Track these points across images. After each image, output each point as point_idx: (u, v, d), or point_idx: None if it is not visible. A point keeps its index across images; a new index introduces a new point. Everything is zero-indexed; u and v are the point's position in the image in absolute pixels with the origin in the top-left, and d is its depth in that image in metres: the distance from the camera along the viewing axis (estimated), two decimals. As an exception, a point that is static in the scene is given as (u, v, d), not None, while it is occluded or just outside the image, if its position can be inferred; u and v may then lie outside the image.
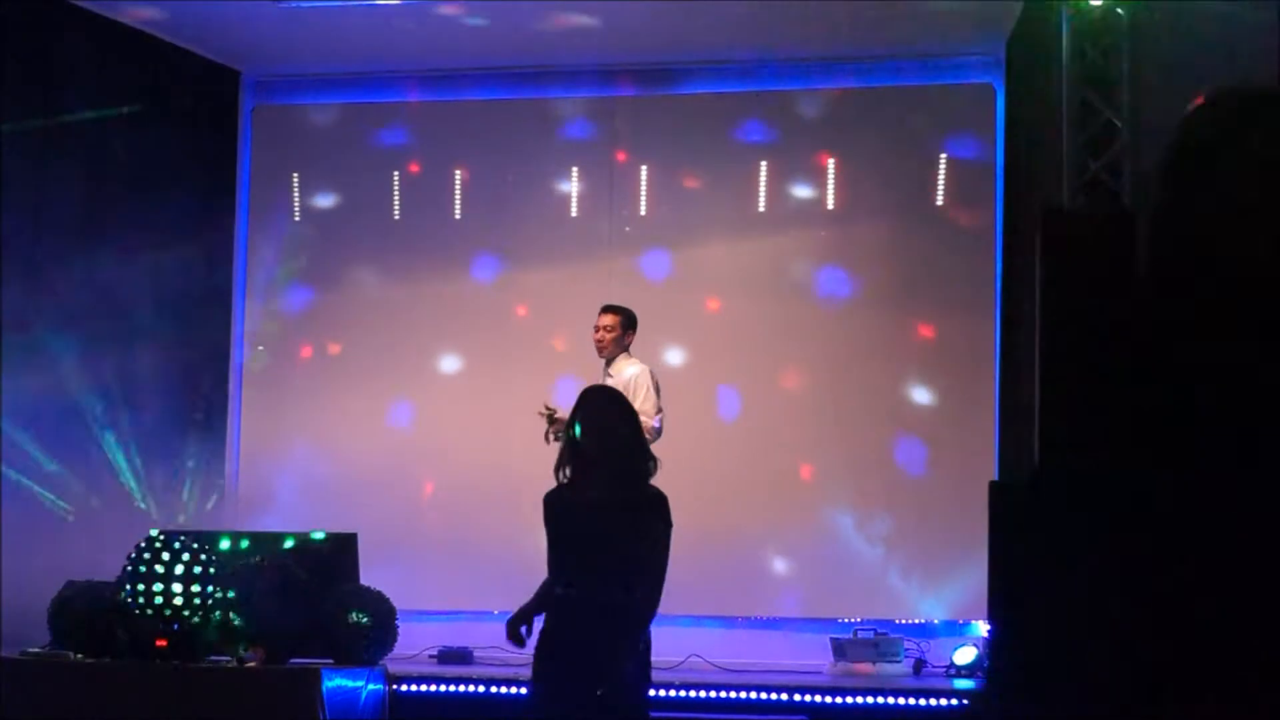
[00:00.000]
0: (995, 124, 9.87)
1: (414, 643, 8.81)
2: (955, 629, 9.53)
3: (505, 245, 10.41)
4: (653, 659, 8.86)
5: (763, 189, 10.18)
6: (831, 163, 10.13)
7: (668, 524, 5.72)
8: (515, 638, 5.69)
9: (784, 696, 7.78)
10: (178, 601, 7.58)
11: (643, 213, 10.34)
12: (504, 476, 9.50)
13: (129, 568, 7.72)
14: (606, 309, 8.87)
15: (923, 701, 7.73)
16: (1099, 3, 8.16)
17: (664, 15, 9.36)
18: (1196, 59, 8.33)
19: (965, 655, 8.89)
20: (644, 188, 10.33)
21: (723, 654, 9.25)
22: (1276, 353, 2.18)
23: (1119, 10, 8.18)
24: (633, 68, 10.35)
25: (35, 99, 8.99)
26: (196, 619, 7.62)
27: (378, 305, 10.53)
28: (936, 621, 9.61)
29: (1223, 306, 2.21)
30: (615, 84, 10.43)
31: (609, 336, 8.76)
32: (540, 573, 5.77)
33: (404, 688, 7.84)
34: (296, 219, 10.70)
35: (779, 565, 9.76)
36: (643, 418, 8.46)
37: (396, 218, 10.59)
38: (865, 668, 8.76)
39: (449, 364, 10.35)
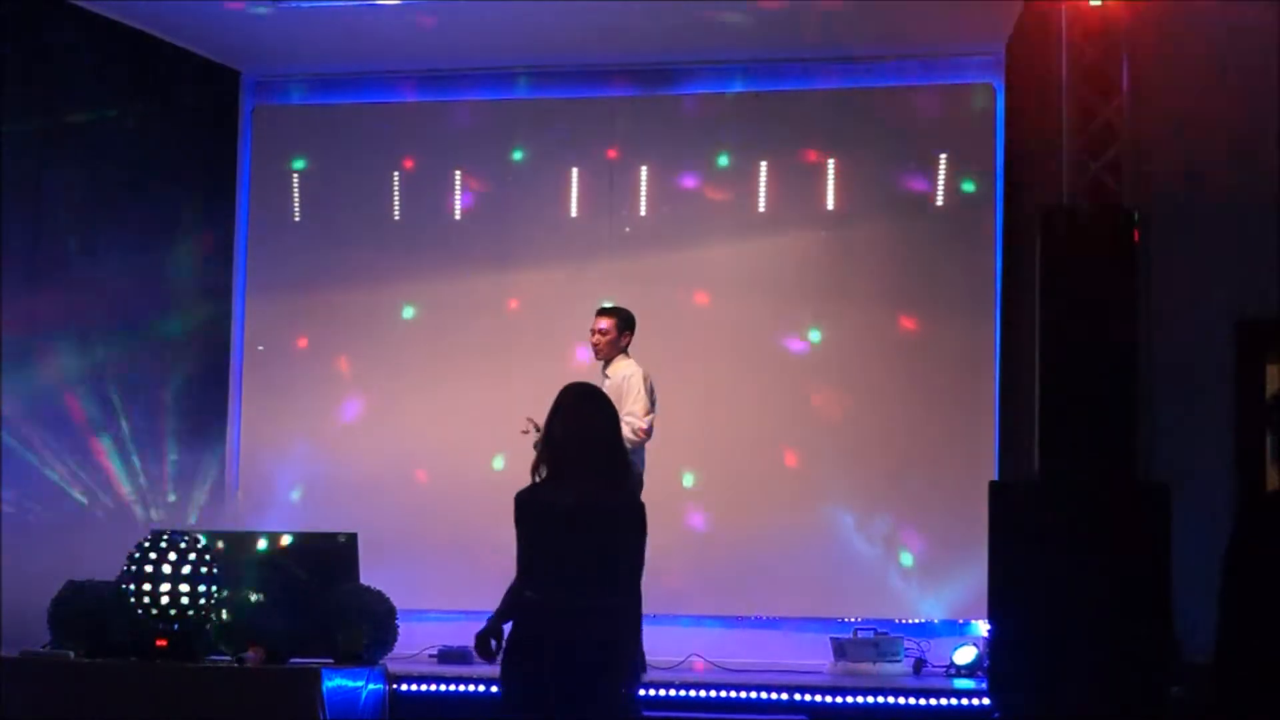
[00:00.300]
0: (995, 124, 9.87)
1: (414, 643, 8.81)
2: (955, 629, 9.54)
3: (505, 245, 10.41)
4: (652, 659, 8.95)
5: (762, 189, 10.18)
6: (831, 163, 10.13)
7: (644, 529, 5.54)
8: (485, 653, 5.49)
9: (784, 696, 7.78)
10: (178, 601, 7.57)
11: (642, 213, 10.34)
12: (504, 477, 9.49)
13: (129, 568, 7.72)
14: (602, 311, 8.88)
15: (923, 701, 7.72)
16: (1099, 3, 8.15)
17: (664, 15, 9.36)
18: (1196, 59, 8.34)
19: (965, 655, 8.89)
20: (643, 188, 10.33)
21: (723, 654, 9.26)
22: None
23: (1118, 10, 8.17)
24: (633, 68, 10.35)
25: (35, 99, 8.99)
26: (196, 619, 7.62)
27: (378, 305, 10.53)
28: (936, 621, 9.61)
29: None
30: (615, 84, 10.43)
31: (605, 339, 8.77)
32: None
33: (404, 688, 7.84)
34: (296, 219, 10.70)
35: (779, 565, 9.75)
36: (632, 419, 8.53)
37: (396, 218, 10.59)
38: (865, 667, 8.76)
39: (449, 364, 10.34)
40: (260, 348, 10.67)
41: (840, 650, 8.94)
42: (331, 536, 8.23)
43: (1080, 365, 7.24)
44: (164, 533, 7.87)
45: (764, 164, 10.19)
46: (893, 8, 9.16)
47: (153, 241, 9.72)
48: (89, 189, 9.40)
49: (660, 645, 9.28)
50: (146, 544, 7.75)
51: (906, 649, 8.99)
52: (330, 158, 10.67)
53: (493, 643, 5.49)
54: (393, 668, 7.93)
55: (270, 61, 10.55)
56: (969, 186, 9.96)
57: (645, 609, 9.47)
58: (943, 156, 9.99)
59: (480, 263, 10.43)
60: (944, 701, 7.71)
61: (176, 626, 7.55)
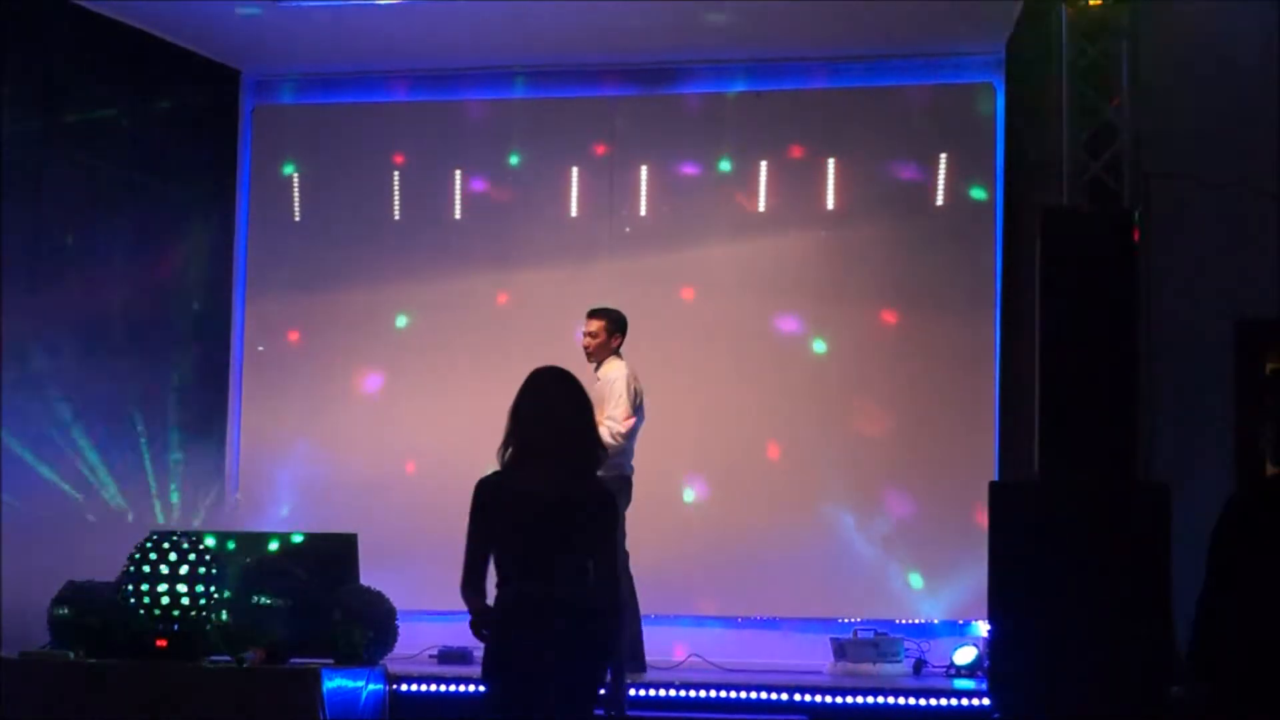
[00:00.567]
0: (995, 124, 9.87)
1: (414, 643, 8.81)
2: (955, 629, 9.54)
3: (505, 245, 10.41)
4: (652, 659, 8.95)
5: (762, 189, 10.19)
6: (831, 163, 10.13)
7: (615, 519, 5.40)
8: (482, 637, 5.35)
9: (784, 696, 7.77)
10: (178, 601, 7.57)
11: (643, 213, 10.34)
12: (504, 476, 9.48)
13: (129, 568, 7.72)
14: (592, 313, 8.89)
15: (923, 701, 7.72)
16: (1099, 3, 8.15)
17: (664, 15, 9.36)
18: (1196, 59, 8.34)
19: (965, 655, 8.89)
20: (644, 188, 10.33)
21: (723, 654, 9.26)
22: None
23: (1119, 10, 8.17)
24: (632, 67, 10.35)
25: (35, 99, 8.99)
26: (196, 619, 7.62)
27: (378, 305, 10.53)
28: (936, 621, 9.61)
29: None
30: (614, 84, 10.43)
31: (595, 341, 8.78)
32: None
33: (404, 688, 7.84)
34: (296, 219, 10.70)
35: (779, 565, 9.75)
36: (611, 423, 8.55)
37: (396, 218, 10.59)
38: (865, 668, 8.76)
39: (449, 364, 10.34)
40: (260, 348, 10.67)
41: (840, 651, 8.94)
42: (331, 537, 8.23)
43: (1080, 365, 7.24)
44: (164, 533, 7.87)
45: (764, 164, 10.19)
46: (893, 7, 9.16)
47: (152, 241, 9.72)
48: (88, 188, 9.40)
49: (660, 645, 9.29)
50: (146, 544, 7.75)
51: (906, 649, 8.99)
52: (330, 157, 10.67)
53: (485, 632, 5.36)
54: (393, 668, 7.92)
55: (270, 61, 10.55)
56: (980, 194, 9.96)
57: (645, 609, 9.55)
58: (943, 156, 9.99)
59: (480, 263, 10.43)
60: (944, 702, 7.71)
61: (176, 627, 7.55)
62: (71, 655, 7.75)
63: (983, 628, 9.02)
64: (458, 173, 10.54)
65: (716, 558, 9.85)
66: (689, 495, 10.02)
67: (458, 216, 10.54)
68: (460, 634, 9.05)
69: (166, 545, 7.70)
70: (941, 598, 9.60)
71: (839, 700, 7.75)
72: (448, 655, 8.82)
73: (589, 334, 8.80)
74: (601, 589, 5.25)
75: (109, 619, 7.77)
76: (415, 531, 9.92)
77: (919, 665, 8.99)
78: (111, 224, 9.46)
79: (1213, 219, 8.29)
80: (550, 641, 5.14)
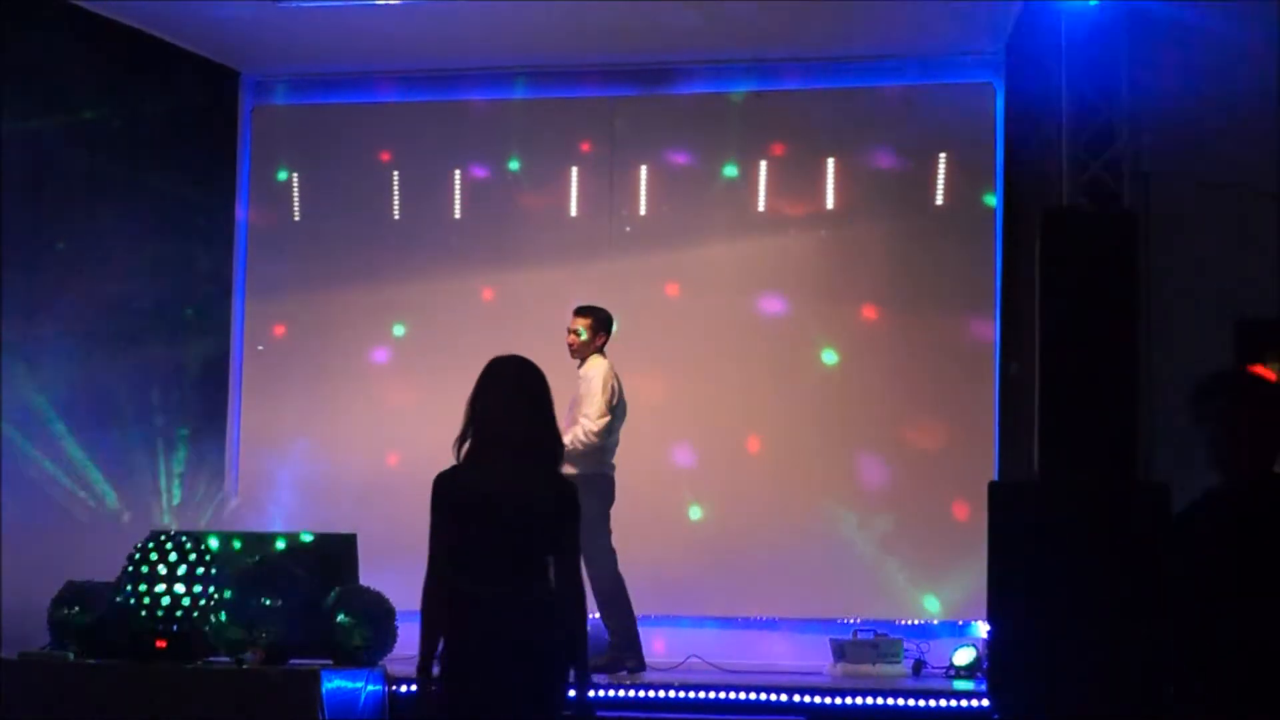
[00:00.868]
0: (995, 124, 9.87)
1: (413, 643, 8.76)
2: (955, 629, 9.54)
3: (505, 245, 10.41)
4: (651, 659, 8.95)
5: (762, 189, 10.19)
6: (831, 163, 10.13)
7: (577, 514, 5.13)
8: (427, 686, 5.14)
9: (784, 697, 7.77)
10: (178, 602, 7.57)
11: (643, 213, 10.34)
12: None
13: (129, 568, 7.72)
14: (579, 311, 8.92)
15: (922, 702, 7.72)
16: (1099, 3, 8.15)
17: (664, 15, 9.36)
18: (1196, 59, 8.33)
19: (965, 655, 8.89)
20: (644, 188, 10.33)
21: (723, 654, 9.26)
22: None
23: (1118, 10, 8.17)
24: (633, 68, 10.35)
25: (34, 99, 8.99)
26: (196, 619, 7.61)
27: (378, 305, 10.53)
28: (936, 622, 9.61)
29: None
30: (615, 84, 10.43)
31: (579, 340, 8.81)
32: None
33: (404, 688, 7.83)
34: (296, 219, 10.70)
35: (779, 566, 9.75)
36: (585, 421, 8.58)
37: (396, 218, 10.59)
38: (865, 669, 8.76)
39: (449, 364, 10.31)
40: (260, 348, 10.67)
41: (840, 651, 8.94)
42: (331, 537, 8.23)
43: (1080, 365, 7.23)
44: (164, 533, 7.87)
45: (764, 164, 10.19)
46: (893, 8, 9.16)
47: (152, 241, 9.71)
48: (87, 189, 9.40)
49: (660, 645, 9.29)
50: (146, 544, 7.75)
51: (906, 650, 8.99)
52: (329, 158, 10.67)
53: (435, 668, 5.14)
54: (392, 668, 7.92)
55: (269, 62, 10.55)
56: (981, 195, 9.95)
57: (646, 610, 9.56)
58: (942, 156, 9.99)
59: (479, 263, 10.43)
60: (944, 703, 7.71)
61: (176, 627, 7.54)
62: (71, 655, 7.75)
63: (982, 628, 9.02)
64: (457, 173, 10.54)
65: (716, 558, 9.85)
66: (688, 495, 10.01)
67: (457, 216, 10.54)
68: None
69: (166, 545, 7.70)
70: (941, 598, 9.59)
71: (839, 701, 7.75)
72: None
73: (574, 332, 8.84)
74: (564, 587, 5.07)
75: (109, 619, 7.77)
76: (415, 531, 9.89)
77: (918, 666, 8.99)
78: (111, 224, 9.46)
79: (1213, 219, 8.29)
80: (510, 643, 4.96)
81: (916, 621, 9.58)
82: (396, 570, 8.79)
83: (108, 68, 9.49)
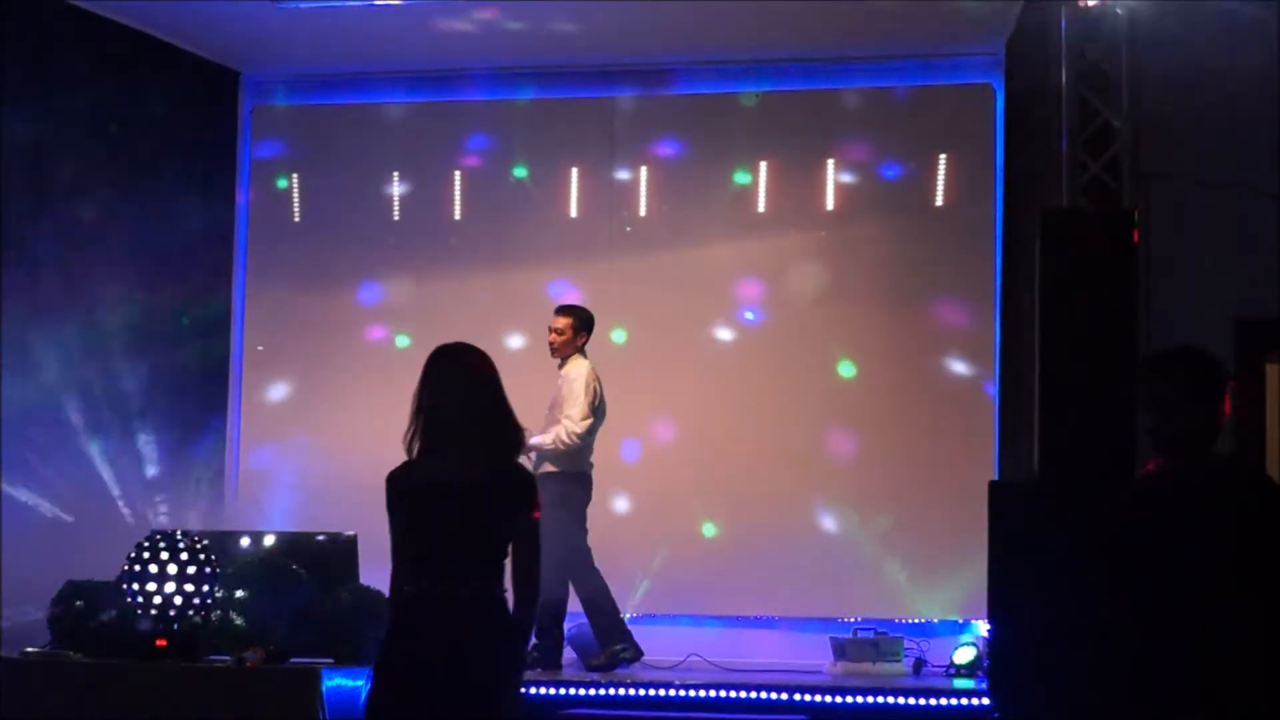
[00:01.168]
0: (995, 124, 9.88)
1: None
2: (955, 629, 9.54)
3: (505, 245, 10.42)
4: (652, 659, 8.95)
5: (762, 189, 10.19)
6: (831, 163, 10.13)
7: (535, 506, 4.89)
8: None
9: (784, 696, 7.78)
10: (178, 601, 7.57)
11: (643, 213, 10.34)
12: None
13: (129, 568, 7.72)
14: (560, 310, 8.94)
15: (923, 701, 7.72)
16: (1099, 3, 8.15)
17: (664, 15, 9.36)
18: (1196, 59, 8.33)
19: (965, 655, 8.89)
20: (644, 188, 10.33)
21: (723, 654, 9.26)
22: None
23: (1119, 10, 8.17)
24: (633, 68, 10.35)
25: (34, 99, 8.99)
26: (196, 619, 7.61)
27: (377, 305, 10.53)
28: (936, 621, 9.61)
29: None
30: (615, 84, 10.43)
31: (560, 339, 8.82)
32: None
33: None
34: (296, 219, 10.70)
35: (779, 565, 9.75)
36: (567, 423, 8.60)
37: (396, 218, 10.59)
38: (865, 667, 8.76)
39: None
40: (260, 348, 10.67)
41: (840, 650, 8.94)
42: (332, 536, 8.23)
43: (1080, 365, 7.23)
44: (164, 533, 7.87)
45: (764, 164, 10.19)
46: (893, 7, 9.16)
47: (152, 241, 9.71)
48: (88, 189, 9.40)
49: (660, 645, 9.29)
50: (146, 544, 7.75)
51: (906, 649, 8.99)
52: (329, 158, 10.67)
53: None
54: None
55: (270, 61, 10.55)
56: (969, 186, 9.96)
57: (646, 609, 9.58)
58: (942, 157, 9.99)
59: (480, 263, 10.43)
60: (944, 701, 7.71)
61: (176, 626, 7.54)
62: (72, 655, 7.75)
63: (982, 627, 9.02)
64: (457, 173, 10.54)
65: (716, 558, 9.85)
66: (689, 495, 10.01)
67: (457, 217, 10.54)
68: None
69: (166, 545, 7.69)
70: (941, 598, 9.59)
71: (839, 700, 7.75)
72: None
73: (555, 331, 8.86)
74: (520, 583, 4.84)
75: (109, 619, 7.77)
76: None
77: (919, 665, 8.99)
78: (111, 224, 9.46)
79: (1213, 219, 8.30)
80: (459, 641, 4.70)
81: (917, 620, 9.58)
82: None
83: (108, 68, 9.49)
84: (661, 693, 7.83)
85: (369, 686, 4.87)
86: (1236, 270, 8.27)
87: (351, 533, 8.18)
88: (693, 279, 10.20)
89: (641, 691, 7.81)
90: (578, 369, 8.79)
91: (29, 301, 8.81)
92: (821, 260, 10.12)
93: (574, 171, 10.41)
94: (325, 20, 9.55)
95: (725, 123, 10.25)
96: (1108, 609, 4.45)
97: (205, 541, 7.84)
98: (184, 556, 7.65)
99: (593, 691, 7.80)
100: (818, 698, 7.76)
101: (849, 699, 7.75)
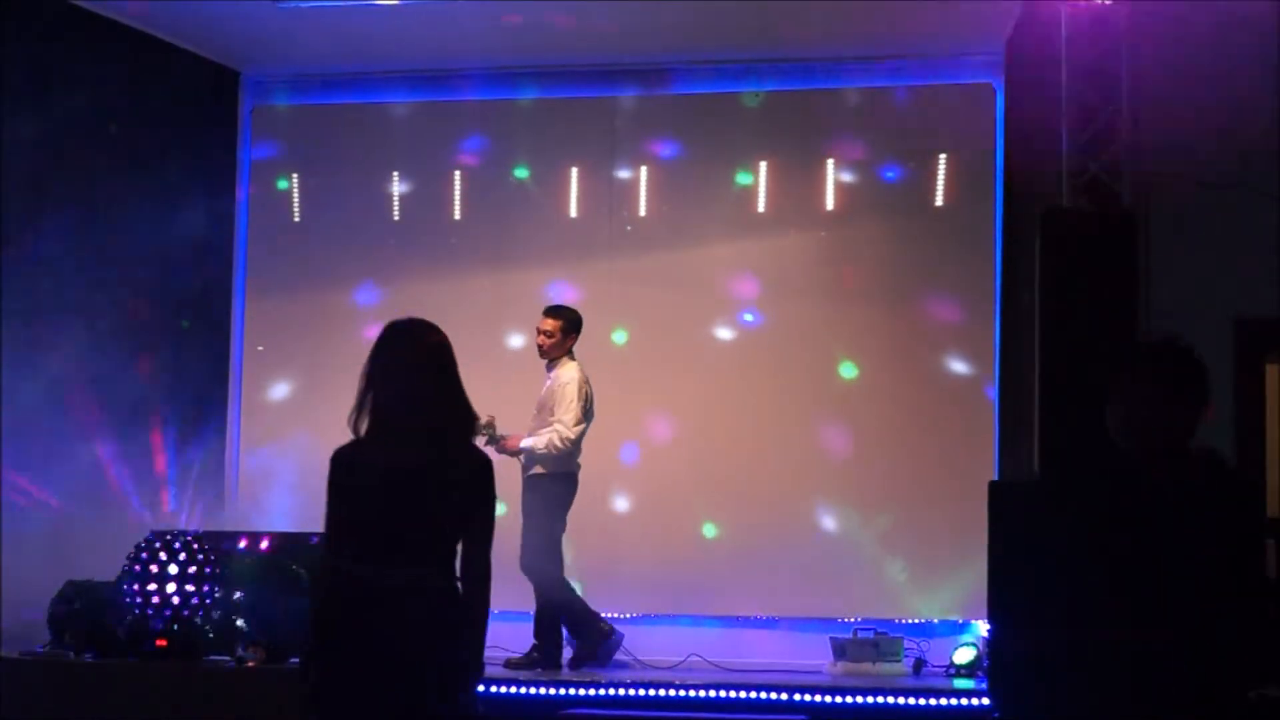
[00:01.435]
0: (995, 124, 9.87)
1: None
2: (955, 629, 9.54)
3: (505, 245, 10.41)
4: (637, 658, 8.95)
5: (762, 189, 10.19)
6: (831, 163, 10.13)
7: (490, 492, 4.67)
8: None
9: (784, 696, 7.77)
10: (178, 601, 7.57)
11: (643, 213, 10.34)
12: (503, 476, 9.46)
13: (129, 568, 7.72)
14: (548, 311, 8.94)
15: (923, 701, 7.72)
16: (1099, 2, 8.15)
17: (664, 15, 9.36)
18: (1196, 58, 8.33)
19: (965, 655, 8.89)
20: (644, 188, 10.33)
21: (723, 654, 9.26)
22: None
23: (1119, 10, 8.17)
24: (633, 68, 10.35)
25: (34, 99, 8.99)
26: (196, 619, 7.62)
27: (377, 305, 10.53)
28: (936, 621, 9.61)
29: None
30: (615, 84, 10.43)
31: (550, 340, 8.82)
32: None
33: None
34: (296, 219, 10.70)
35: (779, 565, 9.75)
36: (560, 428, 8.61)
37: (396, 218, 10.59)
38: (865, 667, 8.76)
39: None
40: (260, 348, 10.67)
41: (840, 650, 8.94)
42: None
43: (1080, 365, 7.23)
44: (164, 533, 7.88)
45: (764, 164, 10.19)
46: (893, 8, 9.16)
47: (152, 241, 9.71)
48: (88, 188, 9.40)
49: (660, 645, 9.29)
50: (146, 544, 7.75)
51: (906, 649, 8.99)
52: (329, 158, 10.67)
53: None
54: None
55: (270, 61, 10.55)
56: (969, 186, 9.95)
57: (646, 609, 9.57)
58: (942, 157, 9.99)
59: (480, 263, 10.43)
60: (944, 701, 7.71)
61: (176, 626, 7.55)
62: (71, 655, 7.75)
63: (982, 627, 9.02)
64: (457, 173, 10.54)
65: (716, 558, 9.85)
66: (689, 495, 10.00)
67: (458, 217, 10.54)
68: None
69: (166, 545, 7.70)
70: (942, 598, 9.59)
71: (839, 700, 7.75)
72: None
73: (544, 332, 8.86)
74: (472, 574, 4.58)
75: (109, 619, 7.77)
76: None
77: (919, 665, 8.99)
78: (110, 223, 9.46)
79: (1213, 219, 8.29)
80: (404, 632, 4.47)
81: (917, 620, 9.58)
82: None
83: (108, 68, 9.49)
84: (661, 693, 7.83)
85: (313, 673, 4.56)
86: (1236, 270, 8.27)
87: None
88: (693, 279, 10.20)
89: (641, 691, 7.80)
90: (568, 372, 8.80)
91: (29, 301, 8.81)
92: (821, 260, 10.12)
93: (574, 171, 10.40)
94: (325, 20, 9.55)
95: (725, 123, 10.25)
96: (1102, 608, 4.39)
97: (205, 542, 7.84)
98: (184, 556, 7.65)
99: (593, 691, 7.80)
100: (818, 698, 7.75)
101: (849, 699, 7.75)
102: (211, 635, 7.69)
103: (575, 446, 8.76)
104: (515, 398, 9.19)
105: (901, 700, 7.74)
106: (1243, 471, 4.63)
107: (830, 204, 10.13)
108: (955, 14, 9.21)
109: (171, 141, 9.93)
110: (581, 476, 8.94)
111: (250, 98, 10.80)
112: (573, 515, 8.96)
